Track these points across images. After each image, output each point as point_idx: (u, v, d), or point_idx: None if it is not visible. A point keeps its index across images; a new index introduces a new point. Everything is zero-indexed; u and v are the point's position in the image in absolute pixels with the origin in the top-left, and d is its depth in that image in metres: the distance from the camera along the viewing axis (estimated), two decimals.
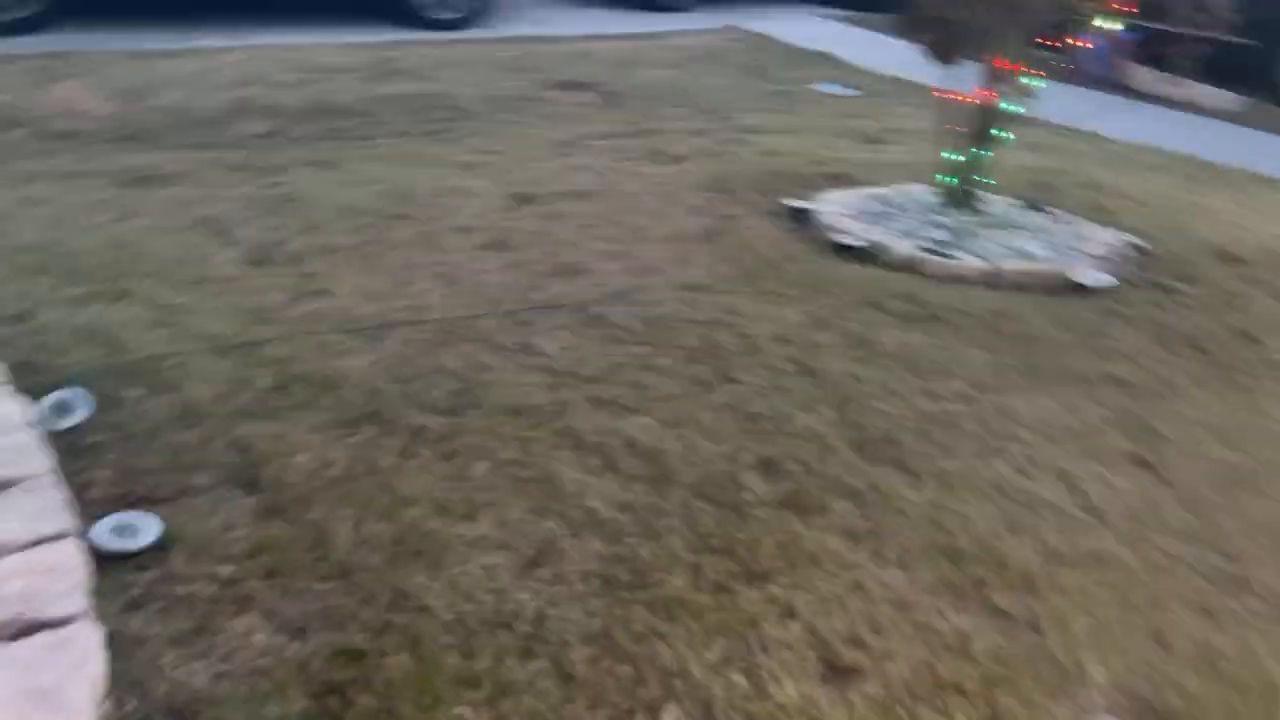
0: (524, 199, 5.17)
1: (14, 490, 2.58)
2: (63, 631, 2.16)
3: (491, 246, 4.57)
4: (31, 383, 3.10)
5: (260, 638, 2.24)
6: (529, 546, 2.61)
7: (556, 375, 3.48)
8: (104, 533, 2.49)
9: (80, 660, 2.11)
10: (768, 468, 3.02)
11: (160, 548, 2.50)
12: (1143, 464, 3.27)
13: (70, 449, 2.84)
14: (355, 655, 2.22)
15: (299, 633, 2.27)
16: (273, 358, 3.43)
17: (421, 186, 5.27)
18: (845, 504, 2.87)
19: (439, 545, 2.59)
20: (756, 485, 2.93)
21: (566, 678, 2.21)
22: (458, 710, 2.11)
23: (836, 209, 5.10)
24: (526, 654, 2.26)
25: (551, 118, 6.98)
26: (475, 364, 3.51)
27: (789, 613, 2.45)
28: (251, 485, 2.77)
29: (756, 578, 2.55)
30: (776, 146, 6.40)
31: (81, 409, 3.02)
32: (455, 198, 5.15)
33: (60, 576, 2.30)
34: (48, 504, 2.54)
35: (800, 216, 5.07)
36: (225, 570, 2.45)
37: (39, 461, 2.70)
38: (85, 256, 4.13)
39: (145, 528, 2.54)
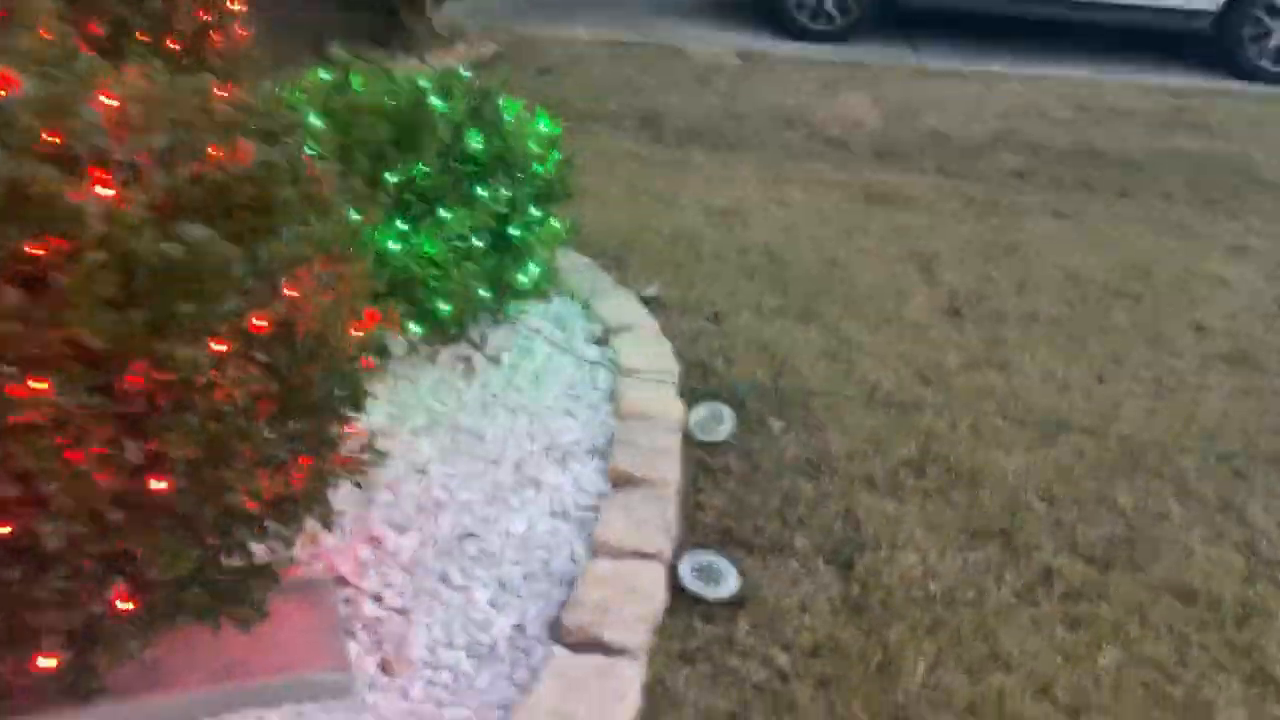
0: None
1: (637, 490, 2.68)
2: (614, 661, 2.16)
3: (1231, 360, 3.70)
4: (696, 385, 3.23)
5: None
6: None
7: (1262, 561, 2.65)
8: (689, 570, 2.46)
9: (617, 697, 2.09)
10: None
11: (733, 603, 2.39)
12: None
13: (700, 463, 2.88)
14: None
15: None
16: (923, 427, 3.13)
17: (1166, 264, 4.49)
18: None
19: None
20: None
21: None
22: None
23: None
24: None
25: None
26: (1154, 510, 2.83)
27: None
28: (844, 567, 2.53)
29: None
30: None
31: (726, 426, 3.06)
32: (1203, 286, 4.30)
33: (635, 601, 2.31)
34: (657, 516, 2.59)
35: None
36: (782, 658, 2.25)
37: (668, 469, 2.78)
38: (796, 267, 4.23)
39: (727, 577, 2.45)
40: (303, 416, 1.85)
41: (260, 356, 1.72)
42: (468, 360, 3.23)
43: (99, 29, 3.34)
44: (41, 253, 1.50)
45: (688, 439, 2.97)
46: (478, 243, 2.99)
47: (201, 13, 3.75)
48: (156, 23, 3.58)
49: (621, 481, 2.72)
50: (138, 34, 3.53)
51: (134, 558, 1.71)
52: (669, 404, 3.07)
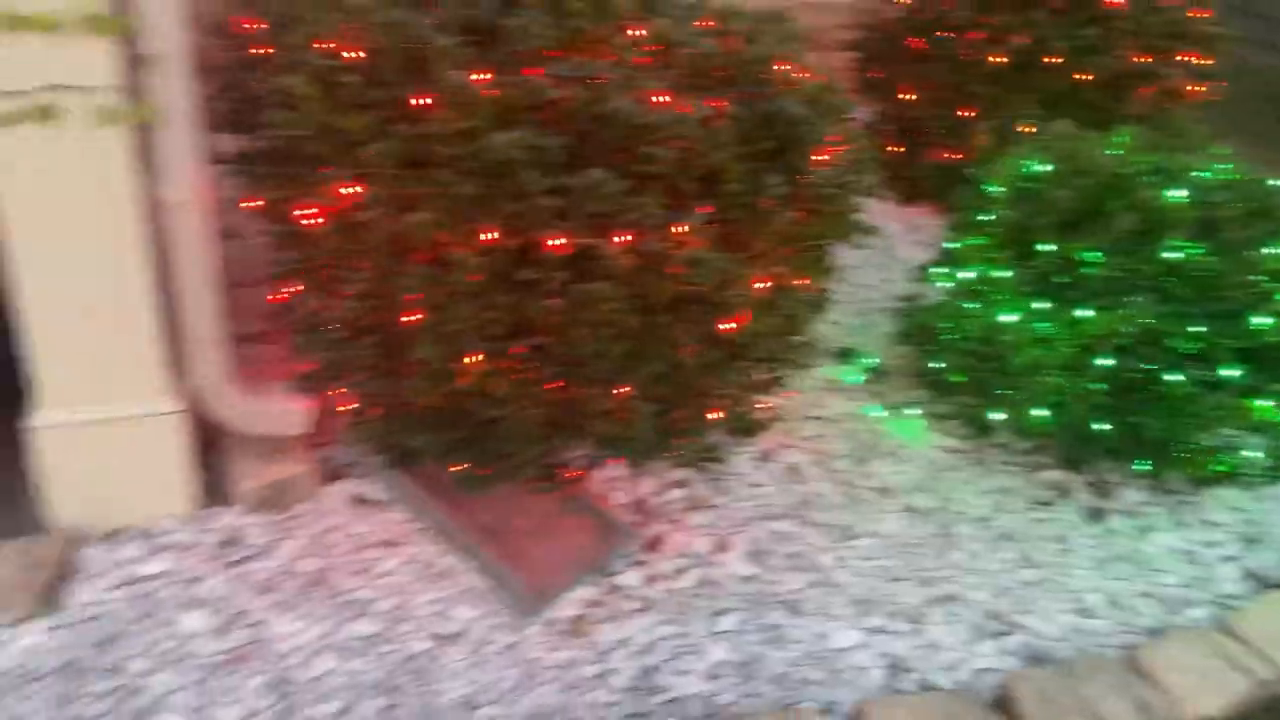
0: None
1: None
2: None
3: None
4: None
5: None
6: None
7: None
8: None
9: None
10: None
11: None
12: None
13: None
14: None
15: None
16: None
17: None
18: None
19: None
20: None
21: None
22: None
23: None
24: None
25: None
26: None
27: None
28: None
29: None
30: None
31: None
32: None
33: None
34: None
35: None
36: None
37: None
38: None
39: None
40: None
41: None
42: (1062, 492, 2.58)
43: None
44: None
45: None
46: (1102, 361, 2.34)
47: (1137, 56, 3.48)
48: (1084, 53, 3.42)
49: None
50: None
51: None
52: (1209, 690, 2.02)
